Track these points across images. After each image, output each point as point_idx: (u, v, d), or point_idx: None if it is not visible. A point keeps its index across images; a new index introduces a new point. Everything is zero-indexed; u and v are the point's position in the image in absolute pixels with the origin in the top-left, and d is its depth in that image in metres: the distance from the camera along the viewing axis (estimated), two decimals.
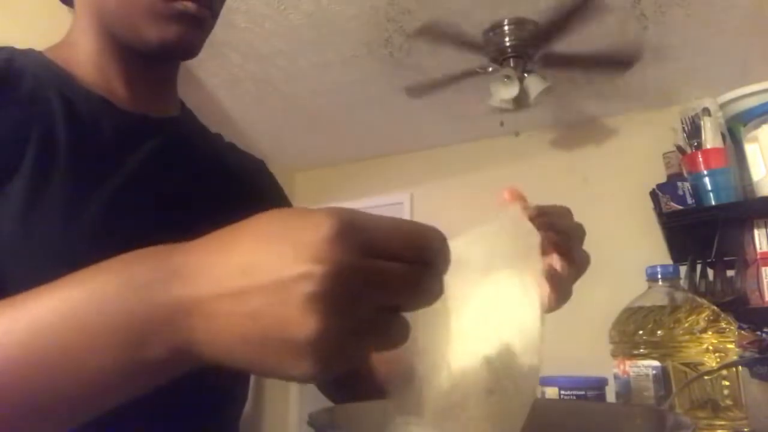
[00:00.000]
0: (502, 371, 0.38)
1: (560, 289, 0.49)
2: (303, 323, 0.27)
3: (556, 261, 0.50)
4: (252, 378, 0.64)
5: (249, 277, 0.28)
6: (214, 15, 0.60)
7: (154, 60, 0.62)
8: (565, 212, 0.53)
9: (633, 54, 2.55)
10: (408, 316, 0.31)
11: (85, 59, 0.61)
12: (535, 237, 0.43)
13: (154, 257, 0.32)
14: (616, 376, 0.78)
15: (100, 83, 0.60)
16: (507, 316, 0.40)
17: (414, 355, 0.37)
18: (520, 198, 0.49)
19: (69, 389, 0.31)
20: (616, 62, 2.59)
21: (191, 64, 2.68)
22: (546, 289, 0.48)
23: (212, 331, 0.29)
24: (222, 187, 0.66)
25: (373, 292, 0.28)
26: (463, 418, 0.37)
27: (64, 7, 0.66)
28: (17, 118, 0.53)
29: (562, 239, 0.50)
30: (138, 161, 0.58)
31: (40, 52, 0.61)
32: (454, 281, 0.32)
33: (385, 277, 0.28)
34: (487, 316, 0.40)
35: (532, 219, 0.46)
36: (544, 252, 0.49)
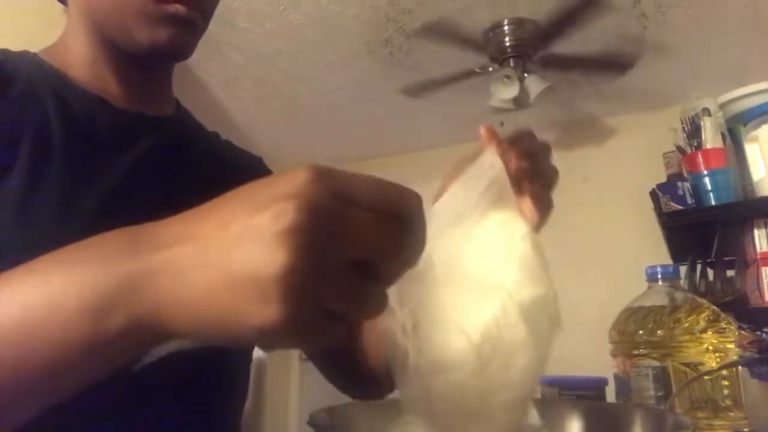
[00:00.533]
0: (513, 308, 0.38)
1: (540, 204, 0.52)
2: (271, 259, 0.26)
3: (528, 183, 0.52)
4: (252, 378, 0.64)
5: (223, 228, 0.28)
6: (206, 16, 0.60)
7: (147, 61, 0.62)
8: (530, 135, 0.55)
9: (631, 55, 2.55)
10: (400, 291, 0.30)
11: (80, 60, 0.61)
12: (504, 173, 0.44)
13: (126, 231, 0.31)
14: (616, 376, 0.78)
15: (95, 83, 0.61)
16: (502, 255, 0.41)
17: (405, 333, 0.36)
18: (495, 136, 0.50)
19: (33, 366, 0.30)
20: (614, 64, 2.58)
21: (191, 64, 2.69)
22: (528, 212, 0.50)
23: (178, 288, 0.28)
24: (219, 184, 0.66)
25: (345, 237, 0.27)
26: (493, 368, 0.36)
27: (59, 9, 0.66)
28: (10, 118, 0.53)
29: (532, 163, 0.53)
30: (133, 159, 0.58)
31: (34, 54, 0.62)
32: (445, 241, 0.32)
33: (359, 224, 0.27)
34: (485, 261, 0.40)
35: (507, 152, 0.48)
36: (519, 177, 0.50)
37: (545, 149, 0.55)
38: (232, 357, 0.62)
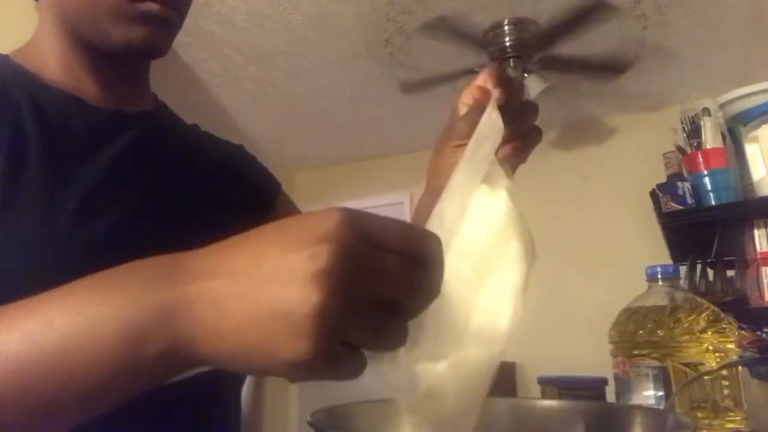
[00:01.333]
0: (484, 268, 0.38)
1: (516, 158, 0.53)
2: (305, 298, 0.27)
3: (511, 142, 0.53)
4: (252, 378, 0.64)
5: (257, 265, 0.29)
6: (181, 14, 0.60)
7: (122, 60, 0.61)
8: (519, 88, 0.55)
9: (631, 56, 2.55)
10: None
11: (53, 59, 0.61)
12: (500, 132, 0.44)
13: (160, 260, 0.32)
14: (616, 376, 0.78)
15: (70, 82, 0.60)
16: (477, 221, 0.41)
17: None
18: (488, 95, 0.50)
19: (68, 388, 0.30)
20: (614, 65, 2.58)
21: (191, 63, 2.69)
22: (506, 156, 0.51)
23: (212, 319, 0.29)
24: (200, 175, 0.66)
25: (374, 278, 0.29)
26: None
27: (32, 8, 0.65)
28: None
29: (519, 123, 0.53)
30: (111, 156, 0.58)
31: (5, 56, 0.61)
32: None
33: (387, 266, 0.29)
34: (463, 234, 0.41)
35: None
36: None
37: (533, 110, 0.56)
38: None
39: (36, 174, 0.51)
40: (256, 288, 0.29)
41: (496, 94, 0.49)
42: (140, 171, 0.60)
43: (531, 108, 0.55)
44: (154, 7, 0.55)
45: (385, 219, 0.30)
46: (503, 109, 0.47)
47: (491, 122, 0.45)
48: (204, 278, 0.30)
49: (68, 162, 0.54)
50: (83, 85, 0.61)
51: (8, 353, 0.30)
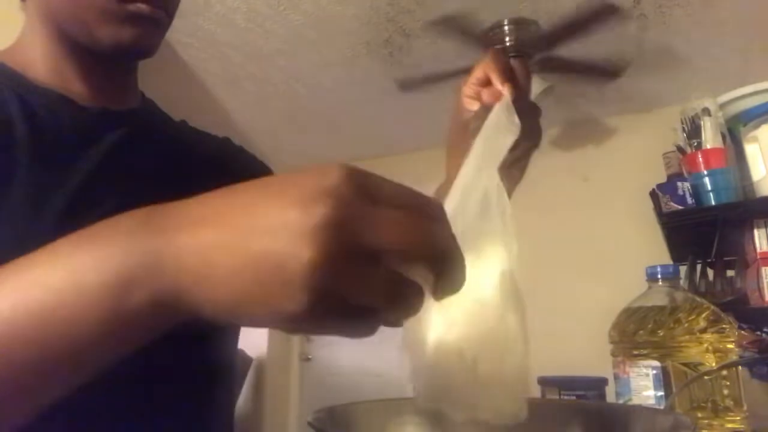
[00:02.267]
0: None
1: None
2: (298, 253, 0.26)
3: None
4: (252, 378, 0.64)
5: (248, 214, 0.28)
6: (170, 14, 0.60)
7: (110, 60, 0.61)
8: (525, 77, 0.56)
9: (630, 57, 2.55)
10: None
11: (40, 59, 0.61)
12: (517, 129, 0.44)
13: (147, 210, 0.32)
14: (616, 376, 0.78)
15: (57, 81, 0.60)
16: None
17: None
18: (498, 95, 0.51)
19: (55, 345, 0.30)
20: (613, 67, 2.58)
21: (191, 63, 2.69)
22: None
23: (200, 267, 0.28)
24: (188, 171, 0.66)
25: (376, 232, 0.27)
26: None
27: (18, 9, 0.65)
28: None
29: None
30: (99, 154, 0.57)
31: None
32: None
33: (388, 220, 0.28)
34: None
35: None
36: None
37: (536, 108, 0.56)
38: (216, 349, 0.62)
39: (24, 173, 0.51)
40: (246, 238, 0.28)
41: (507, 92, 0.48)
42: (128, 168, 0.60)
43: (534, 106, 0.55)
44: (143, 7, 0.55)
45: (389, 180, 0.30)
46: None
47: (505, 118, 0.45)
48: (191, 226, 0.29)
49: (56, 161, 0.54)
50: (71, 84, 0.61)
51: None
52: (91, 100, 0.61)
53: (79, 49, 0.60)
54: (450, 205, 0.39)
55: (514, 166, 0.54)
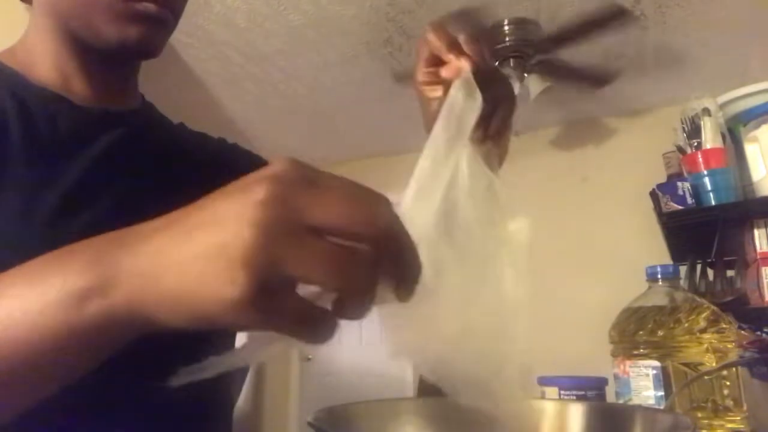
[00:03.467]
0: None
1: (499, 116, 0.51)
2: (239, 230, 0.26)
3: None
4: (252, 378, 0.64)
5: (199, 213, 0.29)
6: (176, 15, 0.60)
7: (115, 59, 0.61)
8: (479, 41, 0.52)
9: (611, 72, 2.56)
10: None
11: (43, 58, 0.60)
12: (478, 102, 0.42)
13: (109, 234, 0.32)
14: (616, 376, 0.78)
15: (58, 82, 0.60)
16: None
17: None
18: (458, 71, 0.48)
19: (12, 358, 0.30)
20: (595, 79, 2.60)
21: (191, 63, 2.69)
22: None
23: (149, 268, 0.29)
24: (184, 173, 0.65)
25: (318, 209, 0.27)
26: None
27: (22, 9, 0.65)
28: None
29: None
30: (95, 154, 0.57)
31: None
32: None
33: (328, 194, 0.28)
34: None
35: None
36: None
37: (498, 72, 0.54)
38: (216, 348, 0.62)
39: (18, 173, 0.51)
40: (192, 229, 0.29)
41: (465, 65, 0.46)
42: (123, 169, 0.59)
43: (496, 69, 0.52)
44: (150, 6, 0.55)
45: (332, 173, 0.30)
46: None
47: (462, 95, 0.42)
48: (145, 236, 0.30)
49: (51, 161, 0.54)
50: (72, 84, 0.61)
51: None
52: (91, 101, 0.61)
53: (84, 49, 0.60)
54: (407, 199, 0.38)
55: (496, 139, 0.51)
